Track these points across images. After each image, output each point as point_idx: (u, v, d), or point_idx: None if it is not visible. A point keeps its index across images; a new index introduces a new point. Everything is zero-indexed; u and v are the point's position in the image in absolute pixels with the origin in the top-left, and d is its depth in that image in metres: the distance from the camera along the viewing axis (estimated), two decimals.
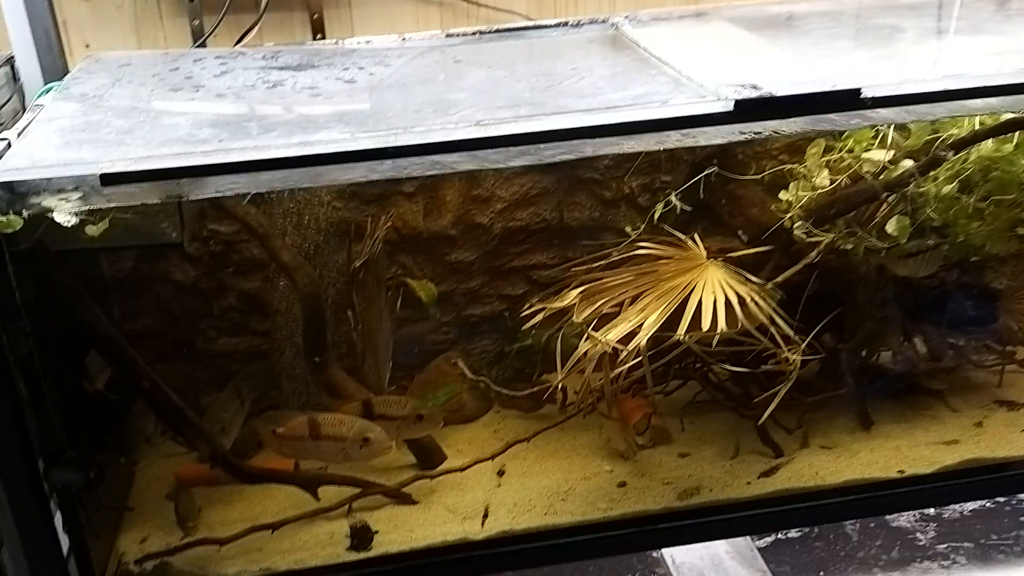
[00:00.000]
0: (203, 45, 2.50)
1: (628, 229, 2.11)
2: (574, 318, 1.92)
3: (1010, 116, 1.87)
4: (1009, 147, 1.97)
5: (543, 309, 1.96)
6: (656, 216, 2.09)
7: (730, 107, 1.67)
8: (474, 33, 2.38)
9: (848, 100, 1.69)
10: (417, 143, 1.60)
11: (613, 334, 1.89)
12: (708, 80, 1.77)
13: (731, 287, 1.96)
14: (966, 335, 2.30)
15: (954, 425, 2.23)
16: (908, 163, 1.98)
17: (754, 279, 1.98)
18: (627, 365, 1.90)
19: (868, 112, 1.71)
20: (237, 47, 2.43)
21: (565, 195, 2.39)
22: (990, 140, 1.97)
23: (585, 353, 1.89)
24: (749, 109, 1.67)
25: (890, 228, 2.02)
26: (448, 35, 2.37)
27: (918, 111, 1.76)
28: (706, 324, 1.90)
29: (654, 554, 2.55)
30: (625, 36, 2.21)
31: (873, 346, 2.20)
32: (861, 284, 2.13)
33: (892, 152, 1.98)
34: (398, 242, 2.34)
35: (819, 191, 2.02)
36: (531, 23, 2.43)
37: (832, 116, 1.70)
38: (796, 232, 2.04)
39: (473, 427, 2.36)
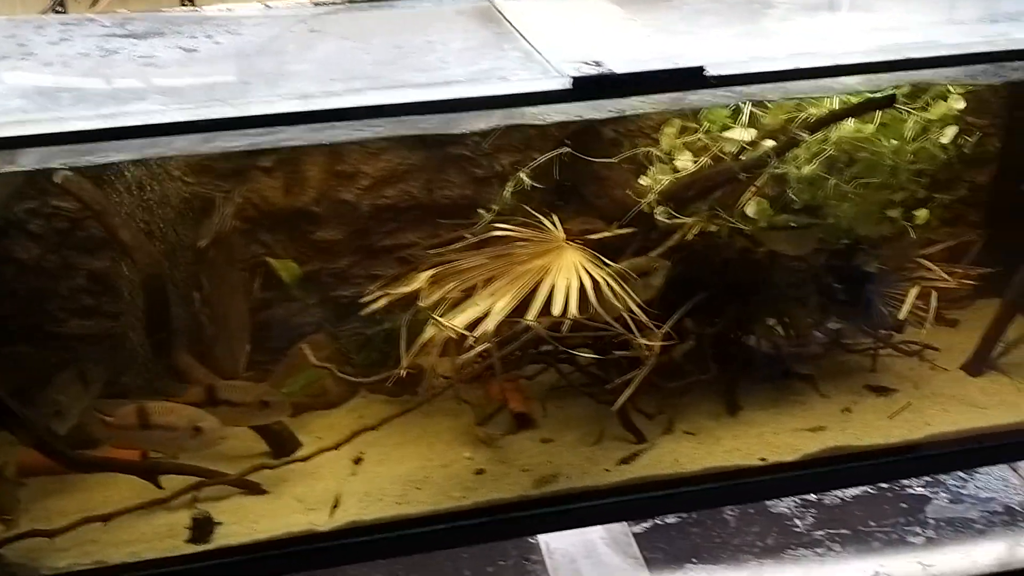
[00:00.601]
0: (63, 10, 2.37)
1: (481, 212, 2.03)
2: (420, 303, 1.84)
3: (868, 96, 1.82)
4: (870, 128, 1.93)
5: (386, 295, 1.87)
6: (507, 195, 2.01)
7: (568, 85, 1.60)
8: (343, 2, 2.28)
9: (691, 79, 1.63)
10: (227, 116, 1.50)
11: (460, 319, 1.82)
12: (558, 56, 1.70)
13: (586, 271, 1.90)
14: (836, 319, 2.27)
15: (822, 411, 2.20)
16: (770, 144, 1.93)
17: (610, 263, 1.92)
18: (475, 351, 1.83)
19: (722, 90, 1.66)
20: (88, 13, 2.30)
21: (435, 172, 2.30)
22: (851, 121, 1.92)
23: (431, 339, 1.81)
24: (587, 87, 1.60)
25: (750, 210, 1.97)
26: (316, 3, 2.26)
27: (766, 91, 1.72)
28: (557, 309, 1.84)
29: (530, 540, 2.50)
30: (496, 9, 2.13)
31: (738, 330, 2.15)
32: (726, 268, 2.08)
33: (753, 132, 1.93)
34: (258, 220, 2.25)
35: (678, 174, 1.96)
36: None
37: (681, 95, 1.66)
38: (657, 215, 1.99)
39: (337, 413, 2.29)
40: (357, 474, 2.07)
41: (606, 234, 2.01)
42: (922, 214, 2.09)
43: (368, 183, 2.27)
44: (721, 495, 2.04)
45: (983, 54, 1.71)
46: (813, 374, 2.27)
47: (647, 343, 1.93)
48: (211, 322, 2.11)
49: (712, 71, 1.62)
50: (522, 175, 2.00)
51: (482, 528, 1.94)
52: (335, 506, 1.97)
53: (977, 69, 1.76)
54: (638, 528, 2.52)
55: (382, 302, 1.88)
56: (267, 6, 2.23)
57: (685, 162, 1.98)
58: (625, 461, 2.06)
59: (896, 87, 1.92)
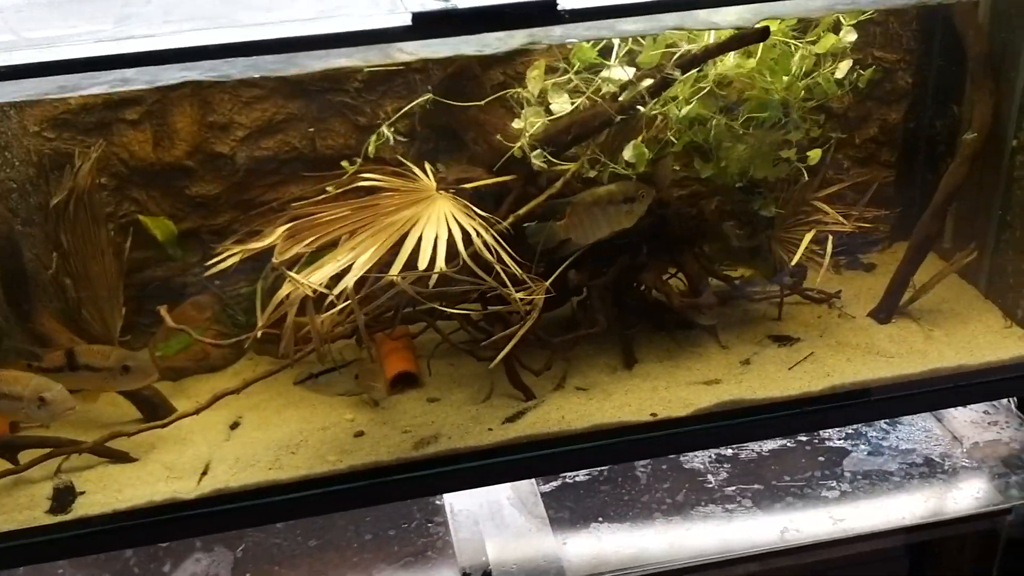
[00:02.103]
0: None
1: (345, 164, 1.92)
2: (274, 259, 1.74)
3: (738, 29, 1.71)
4: (752, 63, 1.82)
5: (239, 252, 1.77)
6: (370, 146, 1.90)
7: (408, 21, 1.49)
8: None
9: (542, 13, 1.52)
10: (35, 63, 1.40)
11: (318, 275, 1.72)
12: None
13: (457, 221, 1.80)
14: (732, 266, 2.18)
15: (720, 363, 2.12)
16: (649, 82, 1.82)
17: (481, 212, 1.82)
18: (335, 309, 1.73)
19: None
20: None
21: (316, 121, 2.19)
22: (731, 56, 1.81)
23: (287, 296, 1.71)
24: (428, 24, 1.49)
25: (627, 154, 1.87)
26: None
27: (633, 26, 1.61)
28: (423, 262, 1.74)
29: (436, 501, 2.43)
30: None
31: (630, 281, 2.06)
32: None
33: (628, 72, 1.81)
34: (127, 175, 2.13)
35: (553, 117, 1.85)
36: None
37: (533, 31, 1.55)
38: (535, 161, 1.88)
39: (221, 376, 2.20)
40: (231, 439, 1.99)
41: (483, 183, 1.90)
42: (815, 154, 1.98)
43: (244, 134, 2.16)
44: (607, 453, 1.96)
45: None
46: (714, 324, 2.18)
47: (523, 297, 1.84)
48: (76, 283, 2.00)
49: (566, 4, 1.51)
50: (384, 128, 1.88)
51: (354, 493, 1.86)
52: (204, 473, 1.89)
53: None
54: (546, 487, 2.45)
55: (233, 259, 1.77)
56: None
57: (562, 104, 1.86)
58: (510, 420, 1.98)
59: (777, 19, 1.82)
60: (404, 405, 2.06)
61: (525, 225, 1.92)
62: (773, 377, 2.07)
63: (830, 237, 2.01)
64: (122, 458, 1.93)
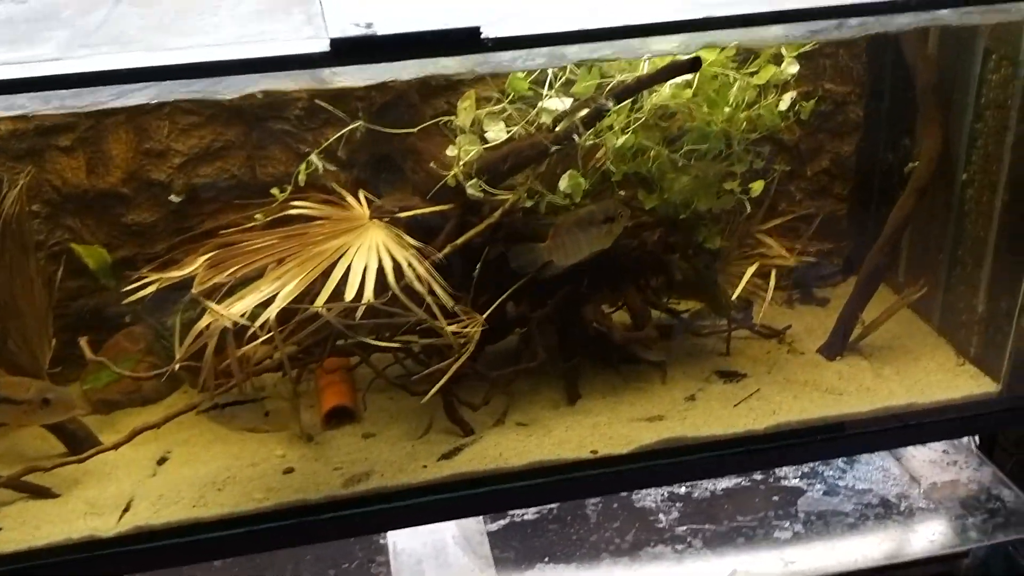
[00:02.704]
0: None
1: (275, 192, 1.87)
2: (194, 288, 1.69)
3: (674, 59, 1.68)
4: (688, 93, 1.78)
5: (156, 280, 1.72)
6: (300, 176, 1.86)
7: (326, 47, 1.45)
8: None
9: (466, 41, 1.48)
10: None
11: (239, 306, 1.67)
12: (343, 19, 1.54)
13: (389, 251, 1.75)
14: (677, 300, 2.14)
15: (665, 399, 2.07)
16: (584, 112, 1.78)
17: (414, 242, 1.77)
18: (258, 341, 1.68)
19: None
20: None
21: (255, 149, 2.15)
22: (667, 86, 1.78)
23: (207, 327, 1.66)
24: (346, 50, 1.45)
25: (563, 185, 1.83)
26: None
27: (564, 54, 1.58)
28: (350, 293, 1.69)
29: (380, 539, 2.36)
30: None
31: (569, 314, 2.01)
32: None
33: (563, 102, 1.78)
34: (60, 203, 2.09)
35: (488, 145, 1.81)
36: None
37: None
38: (470, 190, 1.84)
39: (155, 409, 2.13)
40: (157, 475, 1.93)
41: (418, 211, 1.86)
42: (757, 186, 1.94)
43: (181, 161, 2.11)
44: (546, 491, 1.90)
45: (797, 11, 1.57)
46: (663, 360, 2.13)
47: (457, 331, 1.79)
48: (2, 314, 1.94)
49: (491, 32, 1.48)
50: (313, 156, 1.85)
51: (280, 532, 1.79)
52: (125, 510, 1.82)
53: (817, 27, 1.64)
54: (493, 525, 2.39)
55: (151, 288, 1.73)
56: None
57: (497, 133, 1.82)
58: (446, 456, 1.92)
59: (712, 48, 1.79)
60: (338, 441, 2.00)
61: (509, 248, 1.88)
62: (718, 414, 2.01)
63: (772, 271, 1.97)
64: (42, 494, 1.86)
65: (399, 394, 2.09)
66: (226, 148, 2.13)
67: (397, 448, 1.96)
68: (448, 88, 2.11)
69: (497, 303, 1.91)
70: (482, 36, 1.47)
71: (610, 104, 1.70)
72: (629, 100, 1.76)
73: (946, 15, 1.67)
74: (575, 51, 1.56)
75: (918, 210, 2.11)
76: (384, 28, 1.48)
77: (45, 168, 2.05)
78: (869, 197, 2.37)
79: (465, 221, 1.92)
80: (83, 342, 1.84)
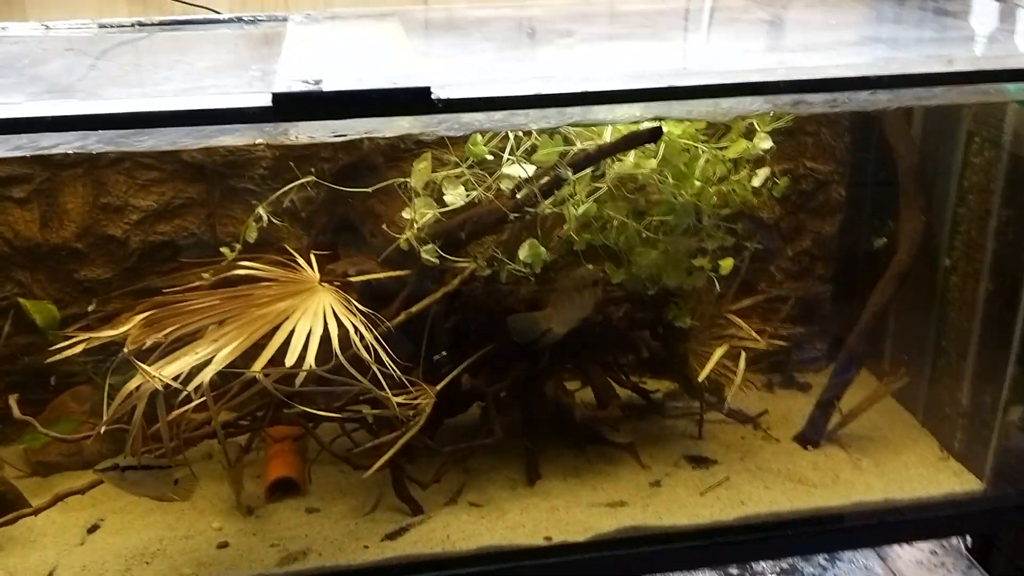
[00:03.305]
0: None
1: (224, 250, 1.81)
2: (126, 348, 1.61)
3: (631, 128, 1.62)
4: (652, 163, 1.72)
5: (85, 340, 1.64)
6: (247, 232, 1.79)
7: (268, 102, 1.40)
8: (132, 25, 2.10)
9: (414, 100, 1.42)
10: None
11: (172, 368, 1.59)
12: (293, 75, 1.49)
13: (335, 316, 1.67)
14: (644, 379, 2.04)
15: (629, 484, 1.96)
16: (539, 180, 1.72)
17: (363, 308, 1.69)
18: (188, 407, 1.59)
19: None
20: None
21: (216, 207, 2.09)
22: (631, 155, 1.72)
23: (135, 390, 1.58)
24: (289, 105, 1.39)
25: (522, 254, 1.76)
26: (101, 25, 2.09)
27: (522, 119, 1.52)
28: (290, 358, 1.61)
29: None
30: (281, 32, 1.95)
31: (530, 390, 1.91)
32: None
33: (531, 168, 1.71)
34: (10, 256, 2.03)
35: (444, 209, 1.75)
36: (205, 17, 2.17)
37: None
38: (424, 256, 1.77)
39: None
40: (86, 544, 1.83)
41: (372, 276, 1.79)
42: (727, 263, 1.86)
43: (138, 217, 2.06)
44: None
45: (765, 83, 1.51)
46: (631, 442, 2.02)
47: (405, 402, 1.70)
48: None
49: (444, 93, 1.42)
50: (260, 209, 1.78)
51: None
52: None
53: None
54: None
55: (80, 347, 1.65)
56: (46, 26, 2.06)
57: (456, 197, 1.76)
58: (390, 536, 1.81)
59: (678, 122, 1.73)
60: (280, 515, 1.89)
61: (509, 318, 1.82)
62: (683, 502, 1.90)
63: (742, 353, 1.88)
64: None
65: (347, 466, 1.99)
66: (186, 206, 2.08)
67: (340, 525, 1.85)
68: (414, 153, 2.05)
69: (452, 376, 1.82)
70: (432, 96, 1.42)
71: (568, 173, 1.63)
72: (589, 169, 1.69)
73: (931, 94, 1.62)
74: (531, 116, 1.51)
75: (899, 296, 2.02)
76: (332, 85, 1.43)
77: None
78: (852, 280, 2.29)
79: (422, 288, 1.84)
80: (12, 400, 1.75)
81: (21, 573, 1.74)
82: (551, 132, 1.70)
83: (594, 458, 2.04)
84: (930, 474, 1.99)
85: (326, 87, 1.41)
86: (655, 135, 1.58)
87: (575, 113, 1.50)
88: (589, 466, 2.01)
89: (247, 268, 1.75)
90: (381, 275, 1.78)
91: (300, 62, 1.64)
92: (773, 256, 2.26)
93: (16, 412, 1.74)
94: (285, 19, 2.09)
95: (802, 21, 2.05)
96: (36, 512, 1.75)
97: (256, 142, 1.70)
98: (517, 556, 1.78)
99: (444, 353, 1.78)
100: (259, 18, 2.13)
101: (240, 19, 2.12)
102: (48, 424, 1.97)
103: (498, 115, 1.49)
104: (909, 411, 2.19)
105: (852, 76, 1.52)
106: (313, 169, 2.03)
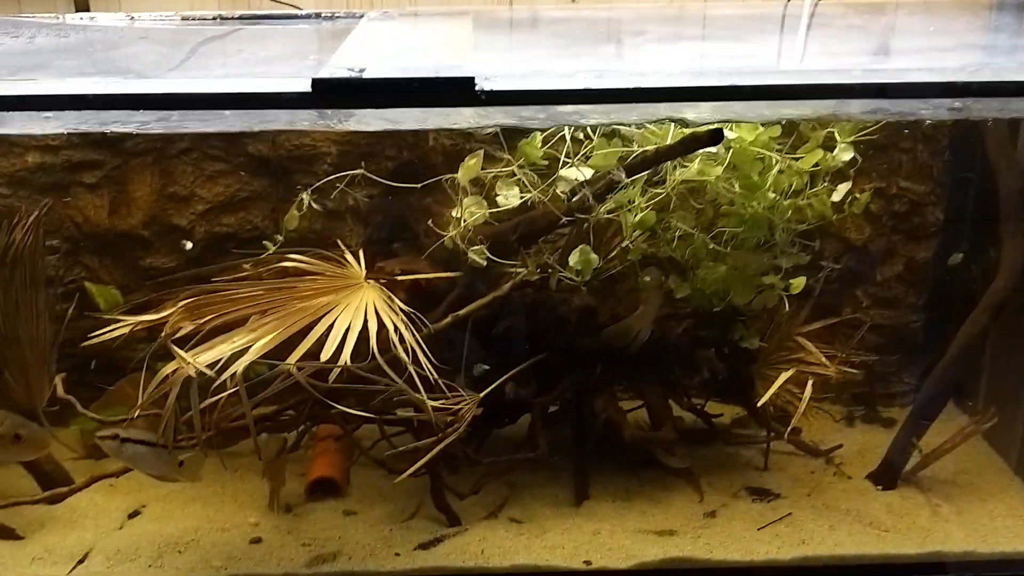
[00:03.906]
0: None
1: (267, 244, 1.78)
2: (164, 333, 1.60)
3: (692, 130, 1.51)
4: (718, 170, 1.61)
5: (127, 324, 1.64)
6: (289, 220, 1.77)
7: (307, 87, 1.36)
8: (214, 18, 2.13)
9: (457, 91, 1.36)
10: None
11: (207, 356, 1.57)
12: (343, 64, 1.47)
13: (376, 314, 1.62)
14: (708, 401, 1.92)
15: (682, 512, 1.84)
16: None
17: (407, 308, 1.64)
18: (225, 394, 1.56)
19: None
20: None
21: (280, 202, 2.08)
22: (697, 161, 1.61)
23: (171, 375, 1.56)
24: (328, 91, 1.35)
25: (572, 260, 1.67)
26: (184, 18, 2.12)
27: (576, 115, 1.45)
28: (326, 353, 1.57)
29: None
30: (351, 28, 1.94)
31: (578, 403, 1.82)
32: (561, 327, 1.77)
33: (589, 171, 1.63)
34: (79, 240, 2.07)
35: (495, 210, 1.68)
36: (286, 12, 2.18)
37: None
38: (471, 257, 1.70)
39: None
40: (124, 528, 1.83)
41: (418, 276, 1.74)
42: (798, 283, 1.73)
43: (204, 208, 2.07)
44: None
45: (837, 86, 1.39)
46: (686, 467, 1.91)
47: (442, 407, 1.64)
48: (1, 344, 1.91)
49: (488, 85, 1.36)
50: (304, 195, 1.76)
51: None
52: (80, 561, 1.72)
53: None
54: None
55: (124, 330, 1.65)
56: (131, 17, 2.11)
57: (510, 198, 1.69)
58: (423, 546, 1.75)
59: (753, 126, 1.62)
60: (317, 515, 1.85)
61: (605, 330, 1.77)
62: (738, 536, 1.77)
63: (809, 380, 1.74)
64: (5, 534, 1.79)
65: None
66: (251, 199, 2.08)
67: (375, 530, 1.80)
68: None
69: (496, 384, 1.75)
70: (476, 87, 1.36)
71: (622, 175, 1.54)
72: (645, 173, 1.59)
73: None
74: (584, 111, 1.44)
75: (996, 327, 1.84)
76: (374, 73, 1.39)
77: (69, 204, 2.04)
78: (948, 309, 2.10)
79: (473, 292, 1.78)
80: (58, 380, 1.77)
81: (58, 552, 1.75)
82: (610, 134, 1.62)
83: (648, 482, 1.93)
84: (1018, 527, 1.79)
85: (367, 75, 1.38)
86: (716, 138, 1.47)
87: (633, 111, 1.42)
88: (641, 490, 1.91)
89: (294, 261, 1.73)
90: (429, 275, 1.72)
91: (355, 53, 1.61)
92: (860, 280, 2.10)
93: (60, 392, 1.76)
94: (362, 16, 2.09)
95: (896, 26, 1.91)
96: (69, 493, 1.76)
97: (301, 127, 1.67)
98: None
99: (485, 365, 1.70)
100: (337, 15, 2.12)
101: (319, 15, 2.12)
102: (102, 409, 2.00)
103: (555, 110, 1.42)
104: (1002, 456, 2.00)
105: (934, 81, 1.38)
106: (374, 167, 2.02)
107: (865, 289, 2.12)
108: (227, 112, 1.42)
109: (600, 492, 1.90)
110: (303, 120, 1.48)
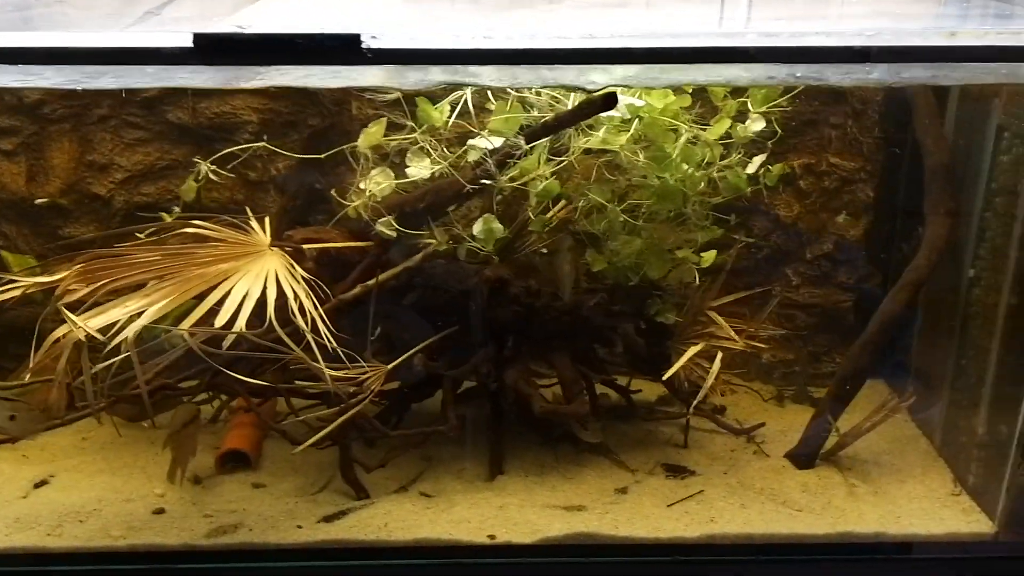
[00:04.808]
0: None
1: (165, 215, 1.76)
2: (55, 296, 1.57)
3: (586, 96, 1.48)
4: (622, 139, 1.58)
5: (19, 284, 1.61)
6: (187, 188, 1.74)
7: (189, 43, 1.33)
8: None
9: (342, 49, 1.33)
10: None
11: (98, 320, 1.54)
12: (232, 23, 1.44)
13: (281, 281, 1.60)
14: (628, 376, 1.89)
15: (593, 488, 1.81)
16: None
17: (306, 275, 1.61)
18: (114, 360, 1.54)
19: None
20: None
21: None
22: (602, 130, 1.58)
23: (61, 339, 1.54)
24: (209, 48, 1.33)
25: (475, 230, 1.64)
26: None
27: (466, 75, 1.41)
28: (221, 319, 1.54)
29: None
30: None
31: (490, 376, 1.78)
32: (471, 299, 1.74)
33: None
34: None
35: (402, 181, 1.65)
36: None
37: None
38: (379, 228, 1.67)
39: (63, 432, 2.02)
40: (29, 497, 1.80)
41: (326, 245, 1.71)
42: (709, 256, 1.70)
43: (123, 177, 2.04)
44: (424, 575, 1.67)
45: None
46: (599, 441, 1.88)
47: (344, 378, 1.61)
48: None
49: (376, 44, 1.33)
50: (203, 165, 1.73)
51: None
52: None
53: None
54: None
55: (14, 292, 1.62)
56: None
57: (420, 169, 1.66)
58: (328, 519, 1.72)
59: (661, 93, 1.59)
60: (225, 487, 1.83)
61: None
62: (647, 513, 1.74)
63: (718, 354, 1.71)
64: None
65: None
66: (171, 167, 2.05)
67: (280, 503, 1.77)
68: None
69: (406, 356, 1.72)
70: (362, 45, 1.33)
71: (521, 142, 1.51)
72: (545, 141, 1.56)
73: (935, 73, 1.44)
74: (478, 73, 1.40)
75: (921, 307, 1.81)
76: (257, 29, 1.36)
77: None
78: (880, 288, 2.07)
79: (385, 261, 1.75)
80: None
81: None
82: (508, 99, 1.59)
83: (564, 458, 1.90)
84: (935, 509, 1.76)
85: (251, 31, 1.35)
86: (609, 102, 1.44)
87: (530, 74, 1.38)
88: (556, 466, 1.88)
89: (197, 228, 1.70)
90: (337, 244, 1.70)
91: (259, 14, 1.58)
92: (788, 258, 2.07)
93: None
94: None
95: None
96: None
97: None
98: (455, 553, 1.67)
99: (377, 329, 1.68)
100: None
101: None
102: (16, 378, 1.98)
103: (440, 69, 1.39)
104: (928, 437, 1.97)
105: (833, 46, 1.35)
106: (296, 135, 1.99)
107: (795, 268, 2.09)
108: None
109: (515, 467, 1.87)
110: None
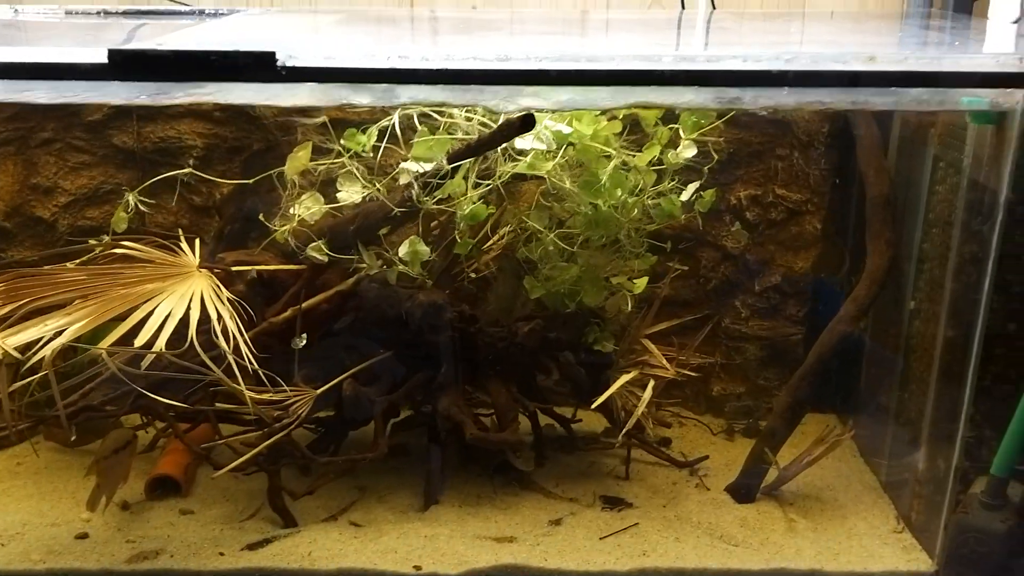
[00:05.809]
0: None
1: (93, 242, 1.74)
2: None
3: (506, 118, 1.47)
4: (548, 165, 1.56)
5: None
6: (119, 217, 1.74)
7: (103, 58, 1.33)
8: (98, 12, 2.13)
9: (257, 65, 1.33)
10: None
11: (16, 338, 1.52)
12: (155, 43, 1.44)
13: (206, 303, 1.58)
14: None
15: (527, 519, 1.78)
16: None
17: (232, 297, 1.59)
18: (32, 380, 1.52)
19: None
20: None
21: (148, 195, 2.04)
22: (529, 155, 1.57)
23: None
24: (123, 63, 1.32)
25: (402, 251, 1.62)
26: (68, 12, 2.12)
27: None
28: (141, 338, 1.52)
29: None
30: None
31: (424, 403, 1.76)
32: (404, 324, 1.72)
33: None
34: None
35: (332, 206, 1.64)
36: (170, 8, 2.17)
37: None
38: (311, 254, 1.66)
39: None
40: None
41: (256, 268, 1.70)
42: (641, 283, 1.68)
43: (67, 200, 2.04)
44: None
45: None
46: (529, 470, 1.85)
47: (267, 401, 1.59)
48: None
49: (292, 62, 1.33)
50: (130, 197, 1.73)
51: None
52: None
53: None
54: None
55: None
56: (15, 10, 2.10)
57: (351, 193, 1.65)
58: (251, 547, 1.69)
59: (592, 119, 1.58)
60: (153, 513, 1.80)
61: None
62: (579, 545, 1.70)
63: (651, 382, 1.69)
64: None
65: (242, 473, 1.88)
66: (116, 192, 2.04)
67: (206, 529, 1.74)
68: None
69: (337, 381, 1.70)
70: (277, 63, 1.33)
71: (443, 163, 1.50)
72: (467, 163, 1.55)
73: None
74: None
75: (851, 338, 1.78)
76: (173, 46, 1.36)
77: None
78: (826, 321, 2.04)
79: (318, 285, 1.74)
80: None
81: None
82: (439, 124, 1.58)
83: (503, 489, 1.87)
84: (875, 547, 1.72)
85: (158, 46, 1.35)
86: (527, 124, 1.43)
87: (446, 93, 1.38)
88: (494, 496, 1.84)
89: (125, 249, 1.69)
90: (268, 268, 1.68)
91: (189, 36, 1.59)
92: (736, 290, 2.05)
93: None
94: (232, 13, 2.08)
95: (763, 29, 1.88)
96: None
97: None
98: None
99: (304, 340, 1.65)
100: (221, 12, 2.11)
101: (202, 11, 2.11)
102: None
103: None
104: (874, 472, 1.93)
105: (749, 70, 1.34)
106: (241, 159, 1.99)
107: (743, 300, 2.07)
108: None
109: (452, 497, 1.84)
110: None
